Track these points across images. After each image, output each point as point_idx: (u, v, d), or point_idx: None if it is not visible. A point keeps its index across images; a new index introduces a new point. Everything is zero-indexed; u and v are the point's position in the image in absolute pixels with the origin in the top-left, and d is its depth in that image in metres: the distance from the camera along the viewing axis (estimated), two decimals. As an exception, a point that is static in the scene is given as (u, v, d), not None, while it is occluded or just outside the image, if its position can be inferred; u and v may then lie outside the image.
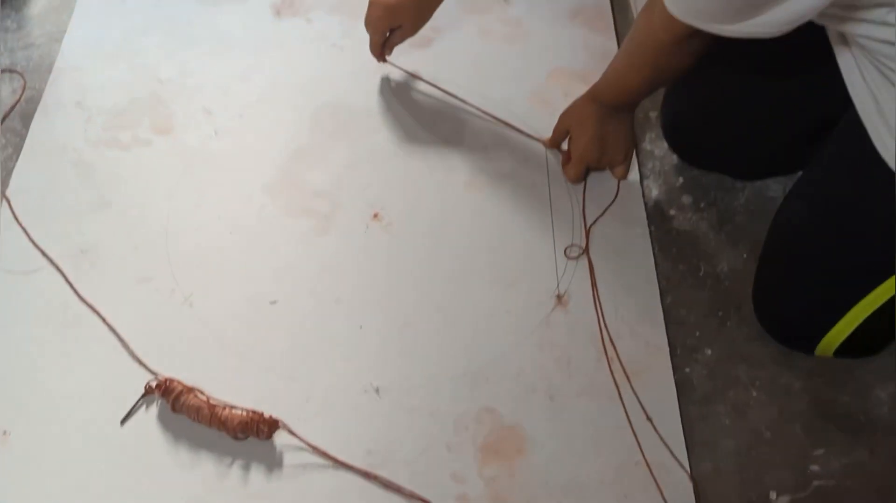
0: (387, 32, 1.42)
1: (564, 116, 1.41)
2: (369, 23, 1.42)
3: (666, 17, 1.06)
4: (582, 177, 1.41)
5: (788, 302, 1.23)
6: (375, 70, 1.56)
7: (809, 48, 1.19)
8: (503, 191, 1.40)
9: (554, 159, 1.43)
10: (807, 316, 1.21)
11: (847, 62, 1.13)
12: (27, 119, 1.50)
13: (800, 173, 1.37)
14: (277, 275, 1.31)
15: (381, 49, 1.46)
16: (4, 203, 1.38)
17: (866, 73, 1.09)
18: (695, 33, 1.08)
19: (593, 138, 1.36)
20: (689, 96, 1.42)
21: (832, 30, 1.12)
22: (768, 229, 1.28)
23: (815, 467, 1.14)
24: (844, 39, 1.11)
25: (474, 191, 1.40)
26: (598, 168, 1.41)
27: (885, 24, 0.96)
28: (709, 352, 1.24)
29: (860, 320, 1.14)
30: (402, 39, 1.44)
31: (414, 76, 1.54)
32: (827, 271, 1.17)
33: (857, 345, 1.20)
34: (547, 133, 1.45)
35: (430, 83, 1.53)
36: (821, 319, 1.18)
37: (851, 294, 1.14)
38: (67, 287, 1.29)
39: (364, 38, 1.50)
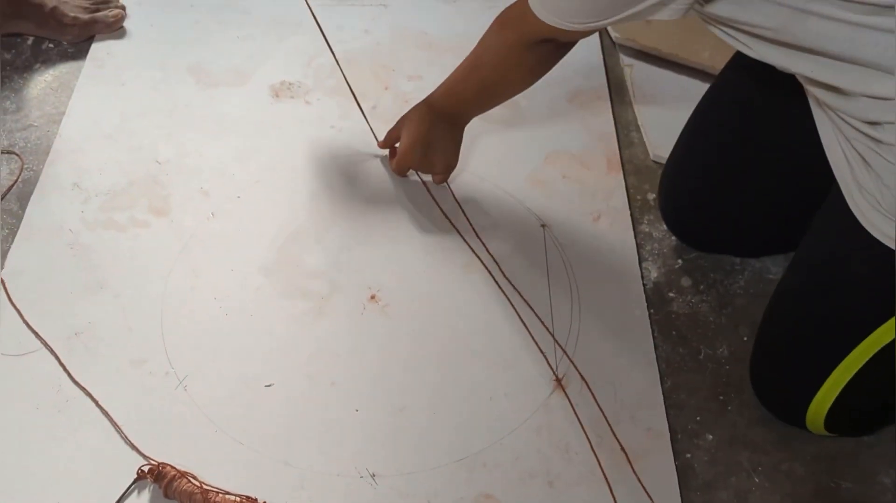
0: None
1: (401, 118, 1.49)
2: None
3: (521, 14, 1.15)
4: (403, 173, 1.53)
5: (777, 369, 1.24)
6: (374, 153, 1.58)
7: (800, 123, 1.21)
8: (501, 272, 1.41)
9: (551, 241, 1.44)
10: (793, 383, 1.21)
11: (826, 131, 1.15)
12: (24, 200, 1.50)
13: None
14: (273, 358, 1.31)
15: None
16: (0, 285, 1.37)
17: (841, 141, 1.11)
18: (541, 42, 1.21)
19: (418, 141, 1.44)
20: (686, 178, 1.43)
21: (811, 96, 1.15)
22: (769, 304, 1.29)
23: (820, 557, 1.13)
24: (820, 107, 1.14)
25: (472, 272, 1.41)
26: (419, 170, 1.52)
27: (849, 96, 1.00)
28: (710, 437, 1.23)
29: (840, 386, 1.14)
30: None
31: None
32: (809, 338, 1.19)
33: (845, 419, 1.19)
34: (540, 210, 1.47)
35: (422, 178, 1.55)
36: (804, 386, 1.18)
37: (829, 359, 1.14)
38: (61, 369, 1.27)
39: (361, 120, 1.52)
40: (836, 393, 1.15)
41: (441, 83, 1.44)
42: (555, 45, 1.25)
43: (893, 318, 1.07)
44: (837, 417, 1.18)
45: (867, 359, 1.11)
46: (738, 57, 1.35)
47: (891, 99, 0.96)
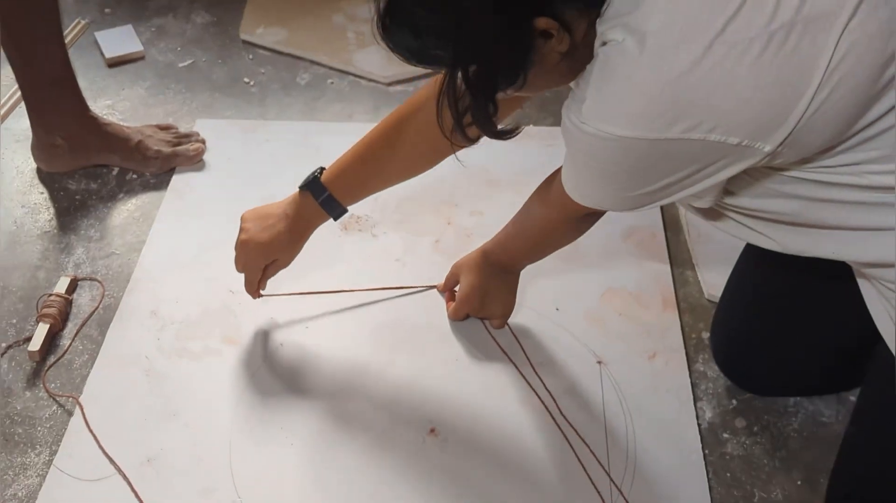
0: (261, 269, 1.43)
1: (456, 265, 1.53)
2: (246, 264, 1.43)
3: (561, 197, 1.14)
4: (461, 318, 1.53)
5: None
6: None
7: (847, 267, 1.19)
8: (558, 408, 1.41)
9: (607, 378, 1.44)
10: None
11: (869, 296, 1.13)
12: (104, 326, 1.53)
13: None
14: (337, 490, 1.31)
15: (258, 286, 1.46)
16: (78, 409, 1.40)
17: (887, 306, 1.10)
18: (585, 216, 1.24)
19: (476, 289, 1.48)
20: (736, 320, 1.43)
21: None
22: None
23: None
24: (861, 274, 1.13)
25: (529, 408, 1.41)
26: (478, 316, 1.53)
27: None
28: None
29: None
30: (275, 272, 1.45)
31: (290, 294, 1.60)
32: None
33: None
34: (597, 348, 1.48)
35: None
36: None
37: None
38: (132, 496, 1.29)
39: (425, 254, 1.55)
40: None
41: (495, 235, 1.46)
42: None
43: None
44: None
45: None
46: None
47: None
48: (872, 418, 1.19)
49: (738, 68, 0.83)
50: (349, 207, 1.39)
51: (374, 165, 1.37)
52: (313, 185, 1.36)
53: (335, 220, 1.40)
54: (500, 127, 1.08)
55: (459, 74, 0.95)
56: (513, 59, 0.95)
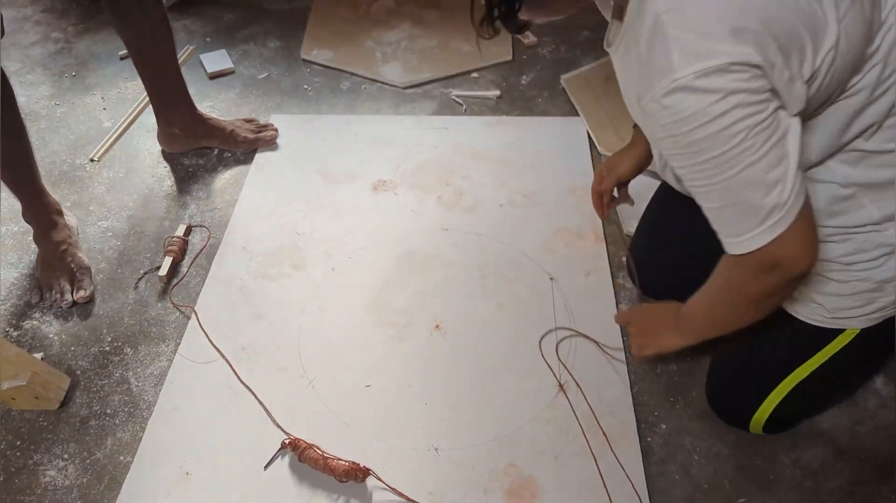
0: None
1: (644, 311, 1.20)
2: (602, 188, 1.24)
3: (728, 257, 0.86)
4: (622, 324, 1.30)
5: (729, 391, 1.20)
6: (440, 228, 1.57)
7: None
8: (522, 311, 1.40)
9: (557, 290, 1.43)
10: (741, 401, 1.17)
11: None
12: (210, 258, 1.52)
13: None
14: (371, 368, 1.31)
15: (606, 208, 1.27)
16: (193, 315, 1.41)
17: None
18: (764, 268, 0.83)
19: (650, 332, 1.16)
20: (643, 247, 1.37)
21: None
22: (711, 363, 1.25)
23: (739, 512, 1.11)
24: None
25: (504, 311, 1.40)
26: (632, 338, 1.21)
27: None
28: (664, 426, 1.22)
29: (776, 404, 1.11)
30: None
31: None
32: (751, 368, 1.15)
33: (777, 424, 1.17)
34: (549, 269, 1.46)
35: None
36: (748, 404, 1.15)
37: (768, 385, 1.11)
38: (231, 373, 1.30)
39: (433, 206, 1.53)
40: (772, 408, 1.12)
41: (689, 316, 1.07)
42: None
43: (815, 356, 1.05)
44: (771, 424, 1.16)
45: (794, 385, 1.09)
46: None
47: None
48: None
49: None
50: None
51: None
52: None
53: None
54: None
55: None
56: None
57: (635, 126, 1.22)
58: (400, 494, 1.12)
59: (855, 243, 0.95)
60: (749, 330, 1.06)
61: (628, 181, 1.27)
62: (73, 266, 1.44)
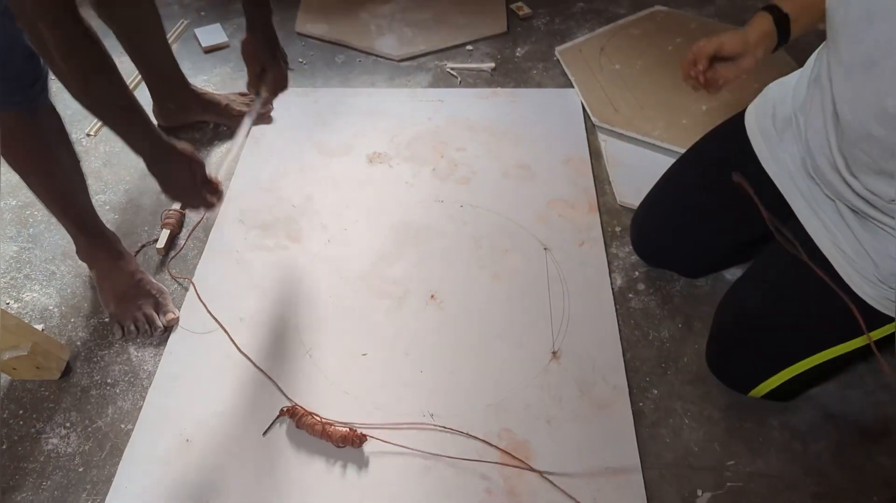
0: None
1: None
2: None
3: None
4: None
5: (737, 359, 1.18)
6: (434, 199, 1.58)
7: (742, 194, 1.14)
8: (516, 281, 1.41)
9: (551, 259, 1.44)
10: (749, 371, 1.16)
11: (799, 206, 1.09)
12: (207, 231, 1.52)
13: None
14: (367, 337, 1.32)
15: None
16: (192, 286, 1.41)
17: (820, 211, 1.05)
18: None
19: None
20: (654, 218, 1.37)
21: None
22: (720, 304, 1.22)
23: (728, 473, 1.13)
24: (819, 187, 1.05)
25: (498, 281, 1.41)
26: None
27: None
28: (655, 391, 1.23)
29: (786, 378, 1.11)
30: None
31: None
32: (769, 340, 1.12)
33: (778, 394, 1.16)
34: (543, 239, 1.46)
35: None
36: (758, 374, 1.14)
37: (790, 357, 1.09)
38: (230, 343, 1.31)
39: (427, 178, 1.53)
40: (782, 381, 1.12)
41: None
42: None
43: (857, 339, 1.03)
44: (776, 393, 1.15)
45: (819, 362, 1.07)
46: (715, 134, 1.30)
47: None
48: (763, 282, 1.14)
49: None
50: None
51: None
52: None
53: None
54: None
55: None
56: None
57: (759, 14, 1.09)
58: (398, 445, 1.13)
59: None
60: (781, 294, 1.05)
61: (728, 56, 1.09)
62: (154, 292, 1.37)
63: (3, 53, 1.02)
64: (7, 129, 1.12)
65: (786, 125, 1.14)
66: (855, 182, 0.97)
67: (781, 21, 1.06)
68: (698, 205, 1.29)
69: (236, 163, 1.29)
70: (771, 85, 1.22)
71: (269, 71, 1.35)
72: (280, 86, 1.38)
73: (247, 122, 1.42)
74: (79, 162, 1.27)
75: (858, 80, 0.86)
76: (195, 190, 1.18)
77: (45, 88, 1.13)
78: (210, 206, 1.22)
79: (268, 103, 1.40)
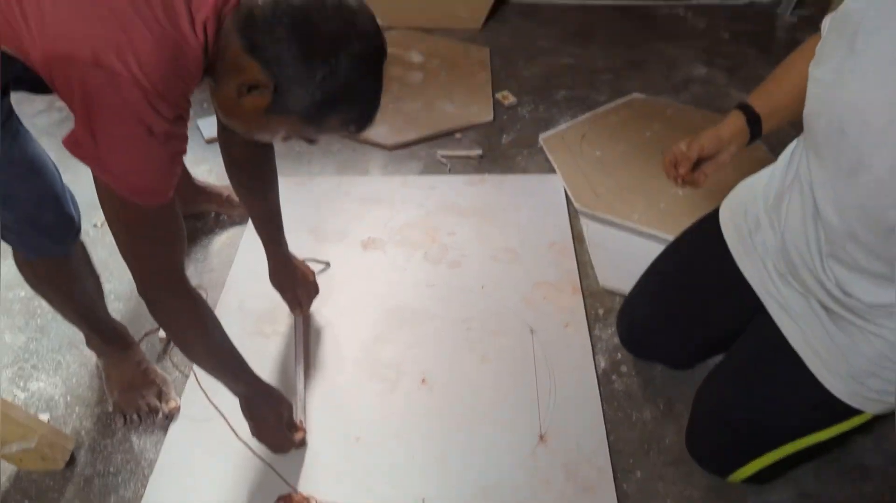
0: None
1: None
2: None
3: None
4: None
5: (715, 446, 1.21)
6: (426, 284, 1.63)
7: (727, 285, 1.21)
8: (504, 363, 1.45)
9: (537, 341, 1.49)
10: (729, 456, 1.19)
11: (771, 306, 1.14)
12: None
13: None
14: (361, 421, 1.36)
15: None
16: (192, 374, 1.45)
17: (792, 309, 1.09)
18: None
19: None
20: (641, 312, 1.40)
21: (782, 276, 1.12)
22: (698, 392, 1.26)
23: (710, 554, 1.15)
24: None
25: (487, 363, 1.46)
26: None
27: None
28: (638, 474, 1.27)
29: (764, 465, 1.14)
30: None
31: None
32: (745, 430, 1.15)
33: (757, 478, 1.19)
34: (530, 321, 1.52)
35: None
36: (736, 461, 1.17)
37: (766, 446, 1.13)
38: (230, 430, 1.34)
39: (419, 262, 1.59)
40: (759, 468, 1.15)
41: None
42: None
43: (830, 428, 1.07)
44: (755, 478, 1.18)
45: (794, 451, 1.11)
46: (694, 229, 1.34)
47: None
48: (744, 373, 1.18)
49: None
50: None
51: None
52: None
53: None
54: None
55: None
56: None
57: (733, 113, 1.15)
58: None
59: None
60: (755, 384, 1.10)
61: (706, 157, 1.15)
62: (158, 381, 1.41)
63: (32, 209, 1.07)
64: (37, 274, 1.19)
65: (756, 225, 1.20)
66: (830, 281, 1.02)
67: (753, 120, 1.13)
68: (682, 301, 1.33)
69: (304, 405, 1.38)
70: (741, 185, 1.29)
71: (299, 289, 1.47)
72: (312, 298, 1.51)
73: (298, 342, 1.50)
74: (100, 280, 1.33)
75: (841, 186, 0.91)
76: (283, 434, 1.27)
77: (77, 236, 1.18)
78: (293, 448, 1.30)
79: (308, 315, 1.53)
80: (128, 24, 0.81)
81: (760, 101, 1.13)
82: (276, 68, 0.84)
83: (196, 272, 1.70)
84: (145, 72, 0.81)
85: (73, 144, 0.85)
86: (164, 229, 0.96)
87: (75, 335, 1.48)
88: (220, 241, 1.80)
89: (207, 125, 2.17)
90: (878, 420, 1.11)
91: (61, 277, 1.21)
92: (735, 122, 1.13)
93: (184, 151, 0.93)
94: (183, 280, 1.02)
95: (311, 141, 0.99)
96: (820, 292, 1.05)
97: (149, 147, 0.86)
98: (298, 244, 1.73)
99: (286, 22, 0.83)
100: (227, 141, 1.23)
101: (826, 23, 0.95)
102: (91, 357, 1.49)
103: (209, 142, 2.12)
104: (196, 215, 1.85)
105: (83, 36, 0.80)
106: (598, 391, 1.39)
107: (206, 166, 2.03)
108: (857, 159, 0.87)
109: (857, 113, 0.85)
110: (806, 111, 0.96)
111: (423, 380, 1.43)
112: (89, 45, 0.79)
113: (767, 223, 1.16)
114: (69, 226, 1.14)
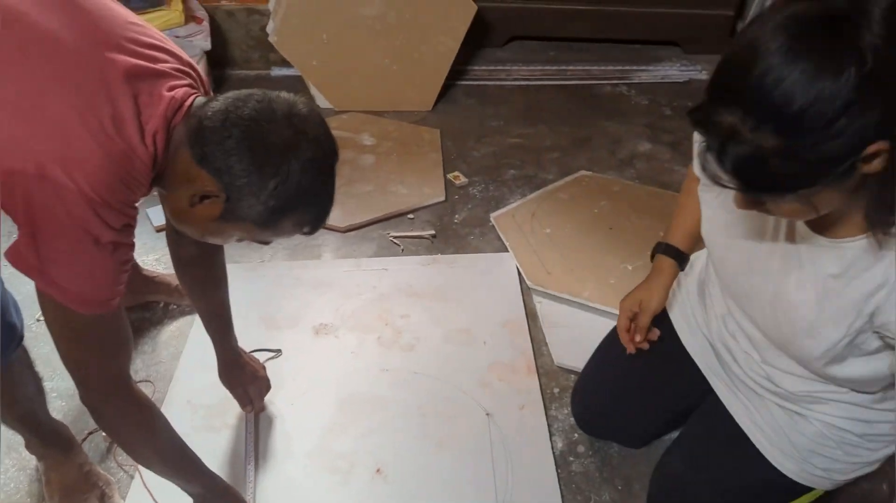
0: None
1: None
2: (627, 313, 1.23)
3: None
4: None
5: None
6: (380, 369, 1.61)
7: (678, 366, 1.23)
8: (460, 449, 1.43)
9: (493, 424, 1.47)
10: None
11: (717, 385, 1.16)
12: None
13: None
14: (314, 517, 1.32)
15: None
16: (137, 474, 1.40)
17: (738, 390, 1.12)
18: None
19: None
20: (594, 394, 1.40)
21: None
22: (655, 470, 1.27)
23: None
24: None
25: (443, 449, 1.44)
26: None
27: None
28: (599, 560, 1.25)
29: None
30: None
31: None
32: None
33: None
34: (485, 404, 1.50)
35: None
36: None
37: None
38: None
39: (372, 347, 1.58)
40: None
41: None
42: None
43: None
44: None
45: None
46: None
47: None
48: (692, 457, 1.19)
49: None
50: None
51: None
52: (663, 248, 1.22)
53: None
54: None
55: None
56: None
57: (654, 256, 1.24)
58: None
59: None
60: (706, 462, 1.13)
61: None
62: (101, 484, 1.36)
63: None
64: None
65: (694, 307, 1.23)
66: (758, 374, 1.05)
67: (680, 256, 1.22)
68: (635, 381, 1.33)
69: (255, 501, 1.36)
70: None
71: (249, 387, 1.46)
72: (264, 394, 1.50)
73: (249, 436, 1.47)
74: (41, 383, 1.27)
75: (734, 305, 1.03)
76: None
77: (19, 344, 1.13)
78: None
79: (260, 410, 1.51)
80: (73, 137, 0.81)
81: (677, 236, 1.22)
82: (227, 178, 0.85)
83: (144, 365, 1.66)
84: (91, 183, 0.81)
85: (16, 257, 0.84)
86: (109, 337, 0.94)
87: (13, 437, 1.41)
88: (169, 331, 1.76)
89: (156, 213, 2.16)
90: (831, 494, 1.11)
91: (2, 386, 1.16)
92: (670, 270, 1.22)
93: (131, 259, 0.92)
94: (129, 387, 0.99)
95: (264, 242, 0.98)
96: (749, 382, 1.08)
97: (95, 258, 0.85)
98: (249, 332, 1.72)
99: (236, 134, 0.84)
100: (177, 241, 1.22)
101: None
102: (31, 460, 1.42)
103: (158, 230, 2.10)
104: (144, 305, 1.82)
105: (27, 149, 0.80)
106: (555, 474, 1.38)
107: (155, 255, 2.01)
108: (752, 291, 0.97)
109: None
110: (703, 231, 1.05)
111: (378, 470, 1.40)
112: (33, 157, 0.79)
113: (701, 309, 1.20)
114: (11, 334, 1.10)
